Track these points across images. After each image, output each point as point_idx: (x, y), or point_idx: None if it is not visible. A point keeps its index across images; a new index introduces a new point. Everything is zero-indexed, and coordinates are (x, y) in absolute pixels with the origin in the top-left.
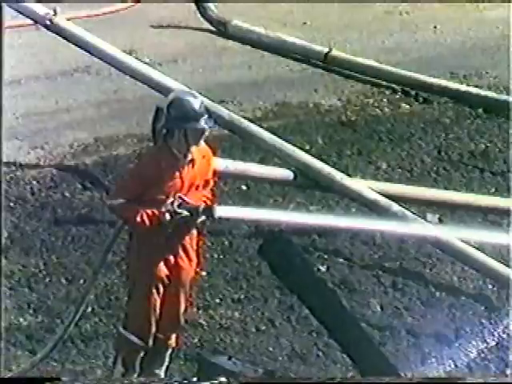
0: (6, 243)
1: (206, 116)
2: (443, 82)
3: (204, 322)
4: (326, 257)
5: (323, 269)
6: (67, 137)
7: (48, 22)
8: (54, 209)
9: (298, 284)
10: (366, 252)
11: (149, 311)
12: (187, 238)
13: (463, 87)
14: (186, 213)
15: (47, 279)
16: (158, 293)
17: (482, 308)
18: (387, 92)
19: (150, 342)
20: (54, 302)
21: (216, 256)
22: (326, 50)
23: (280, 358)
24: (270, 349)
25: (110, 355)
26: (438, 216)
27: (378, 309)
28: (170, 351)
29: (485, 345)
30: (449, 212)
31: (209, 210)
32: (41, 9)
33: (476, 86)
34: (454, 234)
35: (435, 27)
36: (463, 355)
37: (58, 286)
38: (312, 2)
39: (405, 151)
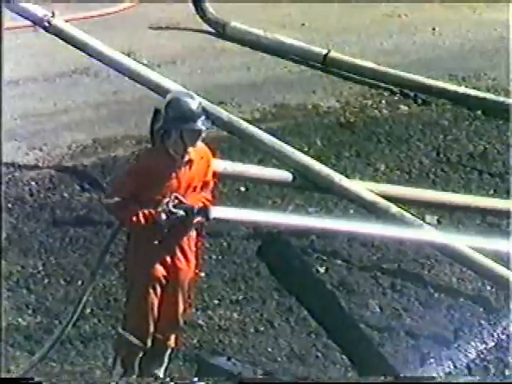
0: (4, 244)
1: (204, 117)
2: (442, 84)
3: (203, 323)
4: (324, 258)
5: (322, 270)
6: (66, 138)
7: (46, 24)
8: (52, 210)
9: (297, 285)
10: (364, 253)
11: (146, 311)
12: (185, 238)
13: (462, 89)
14: (181, 213)
15: (46, 280)
16: (155, 293)
17: (481, 309)
18: (386, 94)
19: (149, 342)
20: (52, 302)
21: (215, 257)
22: (324, 51)
23: (279, 359)
24: (269, 350)
25: (109, 356)
26: (436, 217)
27: (377, 310)
28: (169, 352)
29: (484, 346)
30: (447, 213)
31: (204, 211)
32: (39, 10)
33: (474, 88)
34: (452, 240)
35: (434, 29)
36: (462, 356)
37: (56, 286)
38: (311, 3)
39: (403, 153)
